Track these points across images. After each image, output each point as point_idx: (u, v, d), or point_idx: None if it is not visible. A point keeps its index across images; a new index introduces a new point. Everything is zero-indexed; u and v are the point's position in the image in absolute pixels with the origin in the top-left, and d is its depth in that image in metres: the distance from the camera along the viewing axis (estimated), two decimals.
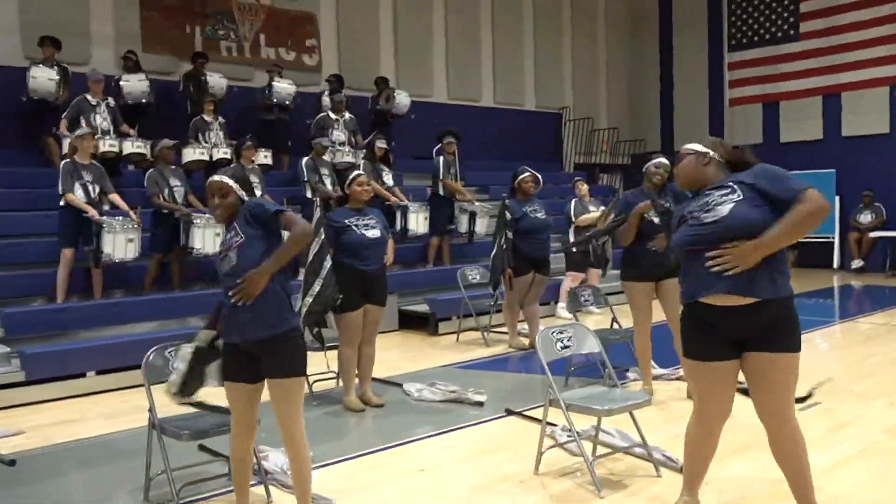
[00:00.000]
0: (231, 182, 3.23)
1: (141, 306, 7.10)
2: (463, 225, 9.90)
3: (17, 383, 5.79)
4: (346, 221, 5.21)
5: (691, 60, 16.41)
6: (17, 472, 4.27)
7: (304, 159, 9.23)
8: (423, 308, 8.66)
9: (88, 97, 8.41)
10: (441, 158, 9.91)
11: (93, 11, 10.23)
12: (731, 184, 2.93)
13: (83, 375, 5.99)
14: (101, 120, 8.39)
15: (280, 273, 3.15)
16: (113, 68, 9.85)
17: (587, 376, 5.82)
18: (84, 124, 8.28)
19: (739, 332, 2.95)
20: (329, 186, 8.99)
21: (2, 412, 5.55)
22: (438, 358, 7.32)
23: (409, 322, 8.76)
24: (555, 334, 4.05)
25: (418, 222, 9.46)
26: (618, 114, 16.55)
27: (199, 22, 11.12)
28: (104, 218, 6.97)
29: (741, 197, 2.86)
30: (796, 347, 2.95)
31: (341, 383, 5.60)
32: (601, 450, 4.21)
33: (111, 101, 8.58)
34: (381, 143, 9.70)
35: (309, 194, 8.93)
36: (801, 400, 5.22)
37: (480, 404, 5.43)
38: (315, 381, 5.74)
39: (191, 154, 8.71)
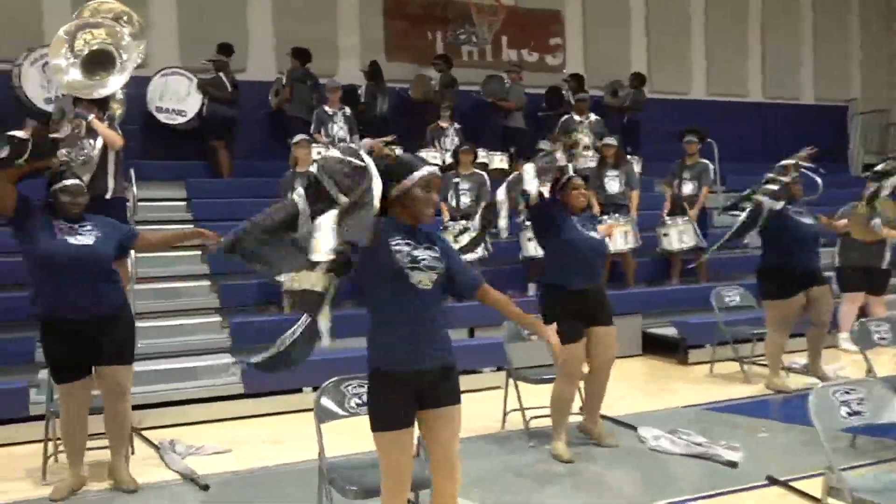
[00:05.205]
0: None
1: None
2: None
3: (236, 395, 5.74)
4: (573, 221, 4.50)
5: None
6: (210, 496, 4.12)
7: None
8: (670, 332, 7.57)
9: (326, 108, 8.54)
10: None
11: (340, 24, 10.42)
12: None
13: (299, 391, 5.74)
14: (338, 129, 8.42)
15: None
16: (357, 78, 9.92)
17: (885, 436, 4.40)
18: (323, 134, 8.38)
19: None
20: None
21: (218, 424, 5.50)
22: (686, 394, 6.23)
23: (655, 347, 7.71)
24: (838, 394, 2.92)
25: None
26: None
27: (441, 28, 10.94)
28: None
29: None
30: None
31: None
32: None
33: (347, 110, 8.60)
34: (609, 141, 8.56)
35: None
36: None
37: (734, 465, 4.34)
38: (532, 418, 5.00)
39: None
